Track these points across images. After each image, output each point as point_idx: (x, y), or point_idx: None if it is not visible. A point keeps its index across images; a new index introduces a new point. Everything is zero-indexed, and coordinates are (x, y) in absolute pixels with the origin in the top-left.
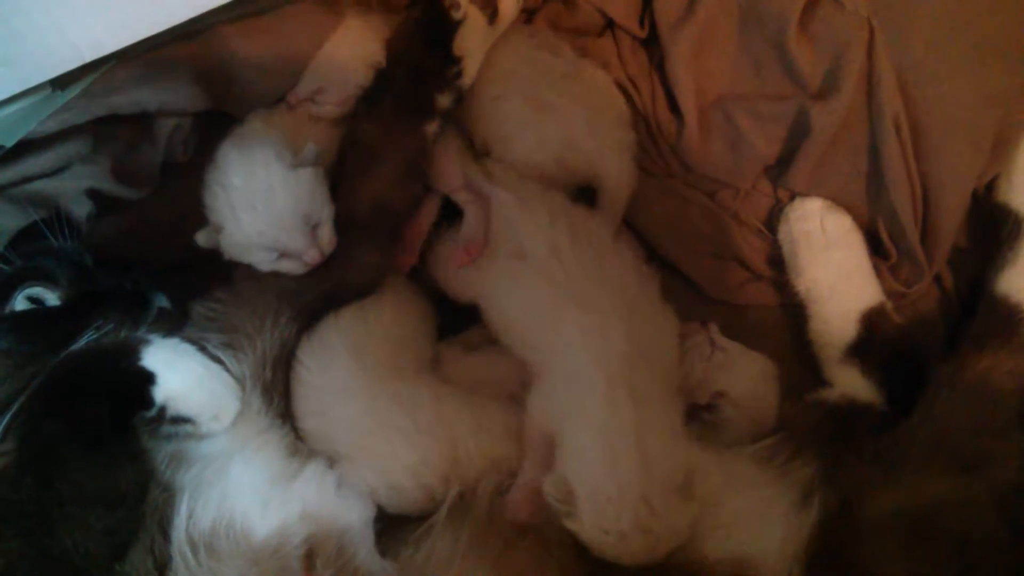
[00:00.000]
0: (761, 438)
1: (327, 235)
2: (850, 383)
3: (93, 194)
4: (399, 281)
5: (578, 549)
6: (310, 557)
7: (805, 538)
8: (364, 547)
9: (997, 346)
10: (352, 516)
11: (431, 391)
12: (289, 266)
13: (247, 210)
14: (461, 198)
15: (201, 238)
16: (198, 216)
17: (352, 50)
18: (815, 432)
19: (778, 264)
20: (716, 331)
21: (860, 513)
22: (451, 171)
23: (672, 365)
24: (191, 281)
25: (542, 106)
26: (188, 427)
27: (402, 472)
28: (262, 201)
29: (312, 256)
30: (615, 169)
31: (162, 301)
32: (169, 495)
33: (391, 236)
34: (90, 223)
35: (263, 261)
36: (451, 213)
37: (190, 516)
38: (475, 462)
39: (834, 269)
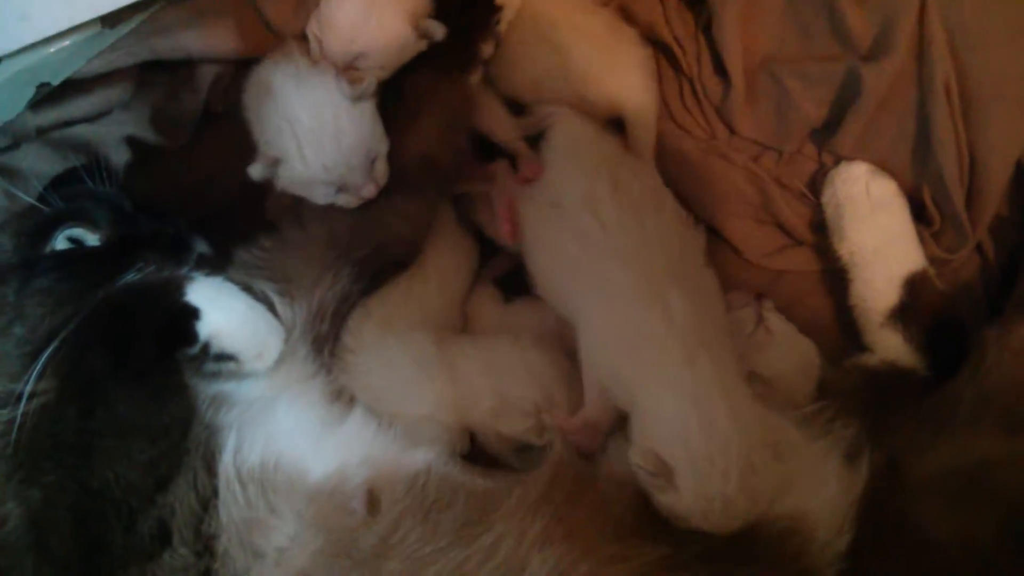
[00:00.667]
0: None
1: (382, 169)
2: (891, 348)
3: (131, 142)
4: (446, 236)
5: (635, 507)
6: (373, 498)
7: (856, 495)
8: (441, 477)
9: None
10: (417, 456)
11: (474, 343)
12: (344, 200)
13: (314, 146)
14: (516, 147)
15: (255, 171)
16: (236, 166)
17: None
18: (855, 396)
19: (820, 229)
20: (770, 308)
21: (908, 472)
22: (503, 117)
23: (726, 324)
24: (230, 227)
25: (561, 44)
26: (231, 365)
27: (432, 425)
28: (330, 138)
29: (369, 191)
30: (636, 88)
31: (202, 247)
32: (212, 432)
33: (436, 189)
34: (128, 171)
35: (321, 195)
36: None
37: (237, 451)
38: (525, 408)
39: (878, 233)
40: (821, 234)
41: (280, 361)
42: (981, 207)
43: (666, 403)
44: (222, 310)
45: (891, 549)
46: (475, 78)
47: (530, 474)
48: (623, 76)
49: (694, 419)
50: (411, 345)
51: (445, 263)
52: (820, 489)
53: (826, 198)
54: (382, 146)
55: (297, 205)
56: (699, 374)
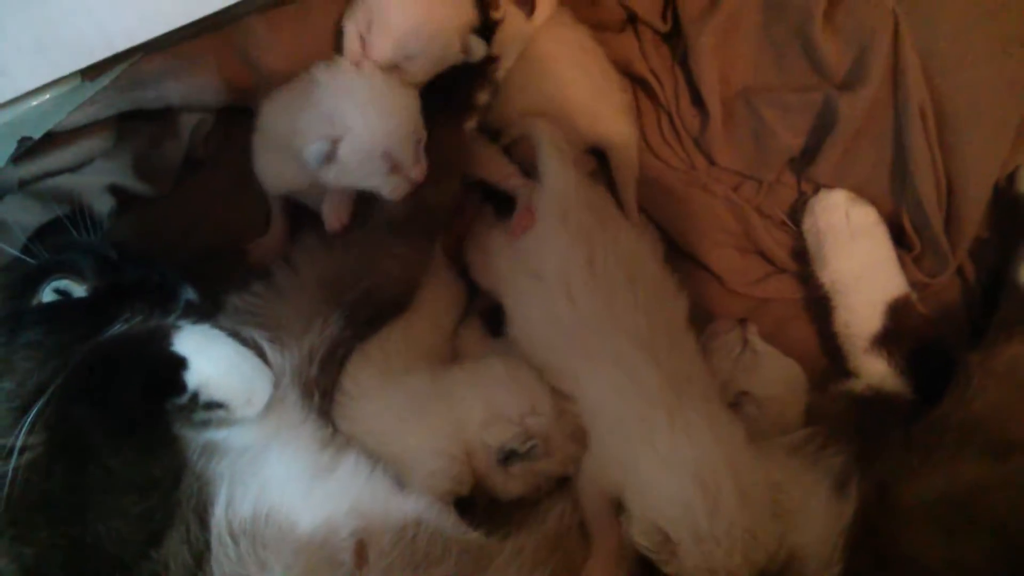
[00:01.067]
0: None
1: (423, 157)
2: (876, 374)
3: (115, 190)
4: (437, 276)
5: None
6: (362, 549)
7: (845, 525)
8: (432, 530)
9: None
10: (407, 507)
11: (464, 366)
12: (394, 185)
13: (378, 111)
14: (512, 184)
15: (314, 151)
16: (221, 213)
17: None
18: (842, 422)
19: (801, 257)
20: (754, 332)
21: (897, 499)
22: (499, 160)
23: (711, 383)
24: (218, 273)
25: (561, 81)
26: (221, 413)
27: (439, 456)
28: (388, 106)
29: (417, 173)
30: (622, 128)
31: (189, 294)
32: (204, 484)
33: (429, 232)
34: (111, 220)
35: (377, 174)
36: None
37: (229, 504)
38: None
39: (859, 260)
40: (803, 262)
41: (270, 407)
42: (960, 230)
43: (670, 480)
44: (210, 359)
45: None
46: (470, 125)
47: (526, 527)
48: (613, 118)
49: (699, 498)
50: (408, 384)
51: (437, 302)
52: (811, 522)
53: (807, 226)
54: (423, 133)
55: (285, 250)
56: (702, 449)
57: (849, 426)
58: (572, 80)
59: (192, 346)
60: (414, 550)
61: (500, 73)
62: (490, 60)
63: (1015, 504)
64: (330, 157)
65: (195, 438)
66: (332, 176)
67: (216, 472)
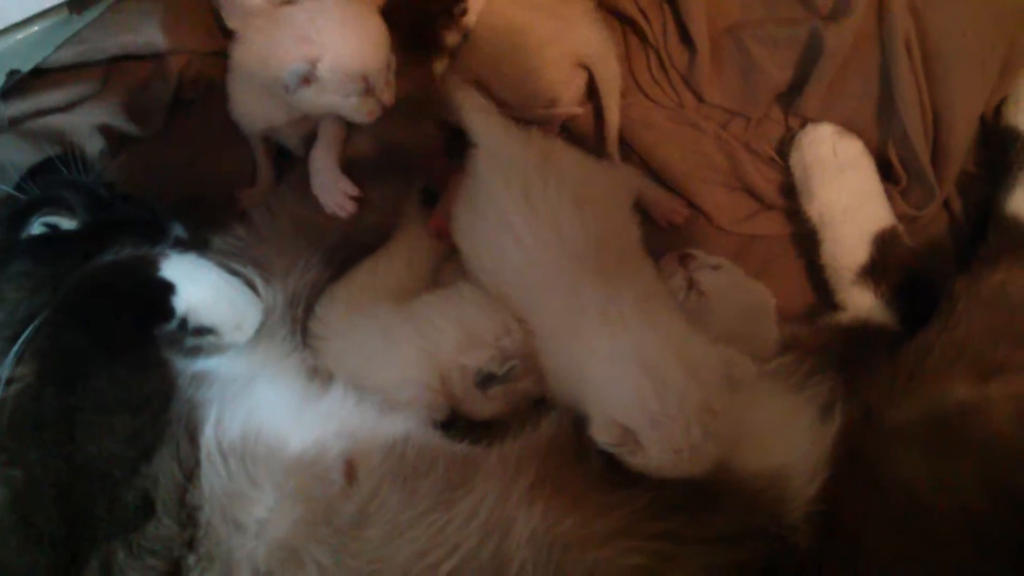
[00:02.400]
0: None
1: (392, 81)
2: (863, 305)
3: (105, 131)
4: (416, 217)
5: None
6: (351, 468)
7: (829, 446)
8: (420, 445)
9: (1011, 262)
10: (395, 426)
11: (435, 292)
12: (368, 108)
13: (356, 32)
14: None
15: (294, 71)
16: (211, 156)
17: None
18: (829, 352)
19: (789, 193)
20: (700, 264)
21: (882, 421)
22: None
23: (664, 296)
24: (206, 216)
25: (519, 24)
26: (211, 339)
27: (412, 386)
28: (365, 27)
29: (388, 98)
30: (592, 40)
31: (179, 230)
32: (194, 407)
33: (403, 175)
34: (102, 160)
35: (352, 95)
36: None
37: (218, 424)
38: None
39: (846, 192)
40: (791, 198)
41: (258, 341)
42: (947, 162)
43: (615, 373)
44: (198, 283)
45: (868, 496)
46: (439, 66)
47: (512, 435)
48: (577, 29)
49: (646, 382)
50: (376, 318)
51: (413, 242)
52: (795, 441)
53: (794, 160)
54: (393, 57)
55: (268, 197)
56: (639, 336)
57: (836, 357)
58: (527, 21)
59: (180, 272)
60: (402, 465)
61: (469, 17)
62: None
63: (1000, 426)
64: (309, 78)
65: (186, 367)
66: (308, 99)
67: (206, 397)
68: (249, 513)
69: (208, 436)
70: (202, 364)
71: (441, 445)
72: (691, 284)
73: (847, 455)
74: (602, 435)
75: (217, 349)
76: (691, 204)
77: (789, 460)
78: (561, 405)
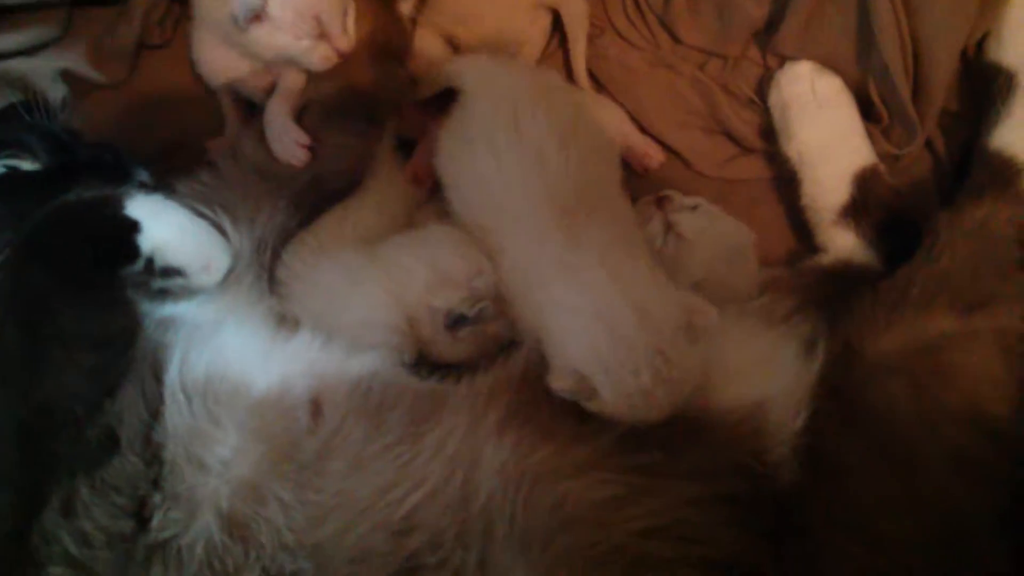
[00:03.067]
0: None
1: (351, 26)
2: (844, 246)
3: (68, 77)
4: (387, 163)
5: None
6: (317, 408)
7: (811, 382)
8: (387, 381)
9: (994, 196)
10: (361, 364)
11: (404, 233)
12: (321, 54)
13: None
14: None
15: (243, 6)
16: (178, 105)
17: None
18: (811, 293)
19: (769, 136)
20: (677, 207)
21: (863, 354)
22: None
23: (639, 242)
24: (172, 164)
25: None
26: (179, 280)
27: (379, 329)
28: None
29: (343, 43)
30: None
31: (143, 175)
32: (159, 347)
33: (369, 119)
34: (66, 107)
35: (303, 37)
36: None
37: (183, 364)
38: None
39: (826, 130)
40: (770, 140)
41: (226, 287)
42: (928, 99)
43: (569, 321)
44: (164, 223)
45: (850, 431)
46: (406, 7)
47: (481, 369)
48: None
49: (598, 328)
50: (342, 261)
51: (385, 188)
52: (775, 376)
53: (772, 100)
54: (351, 3)
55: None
56: (594, 283)
57: (817, 298)
58: None
59: (145, 211)
60: (368, 400)
61: None
62: None
63: (984, 360)
64: (260, 15)
65: (153, 312)
66: (260, 40)
67: (172, 340)
68: (212, 453)
69: (172, 375)
70: (170, 309)
71: (409, 381)
72: (668, 227)
73: (830, 390)
74: (558, 382)
75: (186, 292)
76: (668, 149)
77: (769, 394)
78: (530, 342)
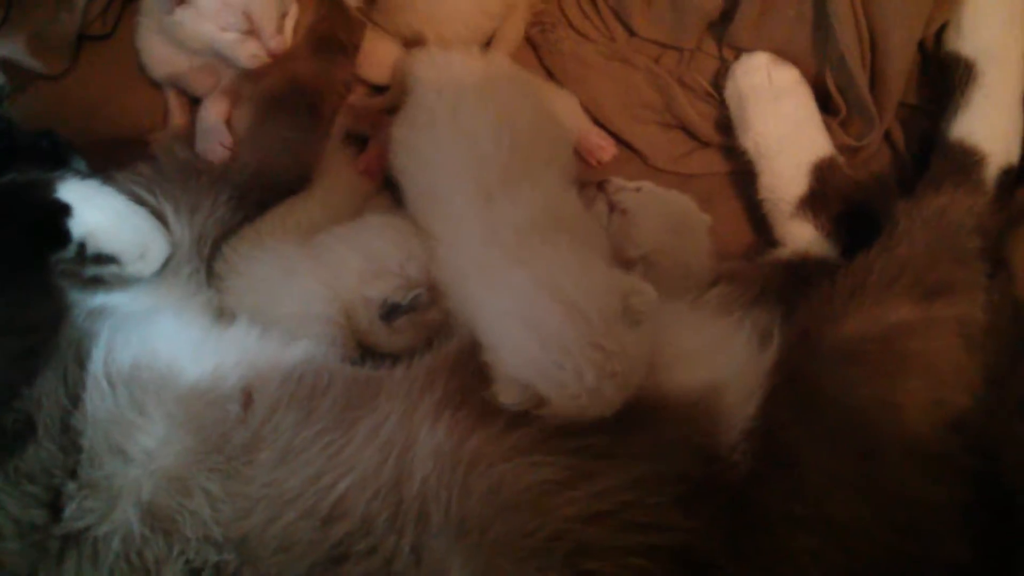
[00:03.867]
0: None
1: (290, 28)
2: (802, 238)
3: (6, 66)
4: (338, 163)
5: None
6: (248, 397)
7: (767, 367)
8: (319, 368)
9: (954, 185)
10: (296, 353)
11: (340, 225)
12: (250, 51)
13: None
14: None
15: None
16: (121, 97)
17: None
18: (769, 285)
19: (725, 129)
20: (617, 187)
21: (820, 341)
22: (381, 59)
23: (579, 227)
24: (113, 157)
25: None
26: (113, 268)
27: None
28: None
29: (274, 44)
30: None
31: (80, 165)
32: (86, 335)
33: (313, 113)
34: (2, 98)
35: (229, 29)
36: None
37: (109, 351)
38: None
39: (783, 120)
40: (727, 134)
41: (162, 278)
42: (886, 90)
43: (501, 327)
44: (97, 208)
45: (806, 417)
46: (353, 1)
47: (417, 354)
48: None
49: (530, 337)
50: (278, 254)
51: (332, 183)
52: (729, 359)
53: (728, 91)
54: (291, 7)
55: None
56: (515, 283)
57: (774, 290)
58: None
59: (77, 195)
60: (300, 388)
61: None
62: None
63: (944, 348)
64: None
65: (84, 301)
66: (185, 25)
67: (101, 328)
68: (135, 442)
69: (96, 362)
70: (102, 299)
71: (343, 368)
72: (612, 206)
73: (785, 376)
74: (504, 398)
75: (121, 282)
76: (624, 143)
77: (722, 376)
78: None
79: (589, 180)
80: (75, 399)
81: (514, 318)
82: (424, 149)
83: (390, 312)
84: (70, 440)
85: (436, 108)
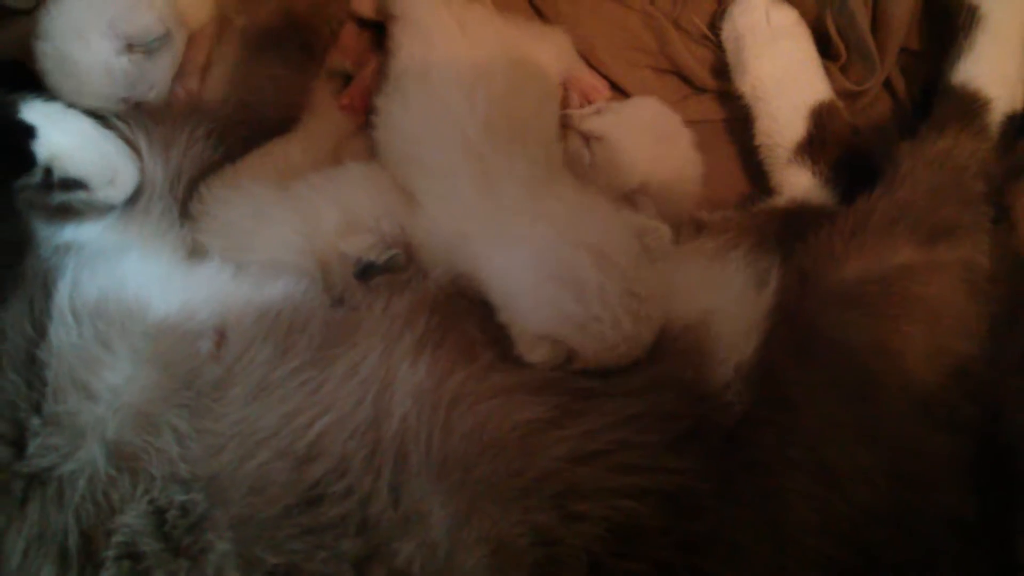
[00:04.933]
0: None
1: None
2: (800, 186)
3: None
4: (321, 103)
5: None
6: (222, 336)
7: (764, 309)
8: (297, 305)
9: (957, 130)
10: (272, 292)
11: (319, 172)
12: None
13: None
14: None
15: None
16: None
17: None
18: (765, 233)
19: (721, 74)
20: (580, 117)
21: (819, 283)
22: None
23: (550, 146)
24: None
25: None
26: (82, 194)
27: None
28: None
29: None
30: None
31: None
32: (53, 268)
33: (304, 49)
34: None
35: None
36: None
37: (75, 284)
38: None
39: (781, 62)
40: (723, 79)
41: (134, 214)
42: (888, 33)
43: (519, 283)
44: (64, 130)
45: (804, 361)
46: None
47: (397, 293)
48: None
49: (562, 291)
50: (252, 196)
51: (315, 125)
52: (724, 297)
53: (725, 32)
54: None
55: None
56: (535, 236)
57: (771, 238)
58: None
59: (42, 116)
60: (277, 325)
61: None
62: None
63: (946, 292)
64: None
65: (52, 237)
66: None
67: (67, 262)
68: (100, 378)
69: (62, 294)
70: (71, 234)
71: (321, 306)
72: (587, 137)
73: (783, 318)
74: (533, 355)
75: (91, 210)
76: (616, 88)
77: (714, 312)
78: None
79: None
80: (42, 330)
81: (538, 273)
82: (404, 124)
83: (365, 271)
84: (36, 374)
85: (408, 79)
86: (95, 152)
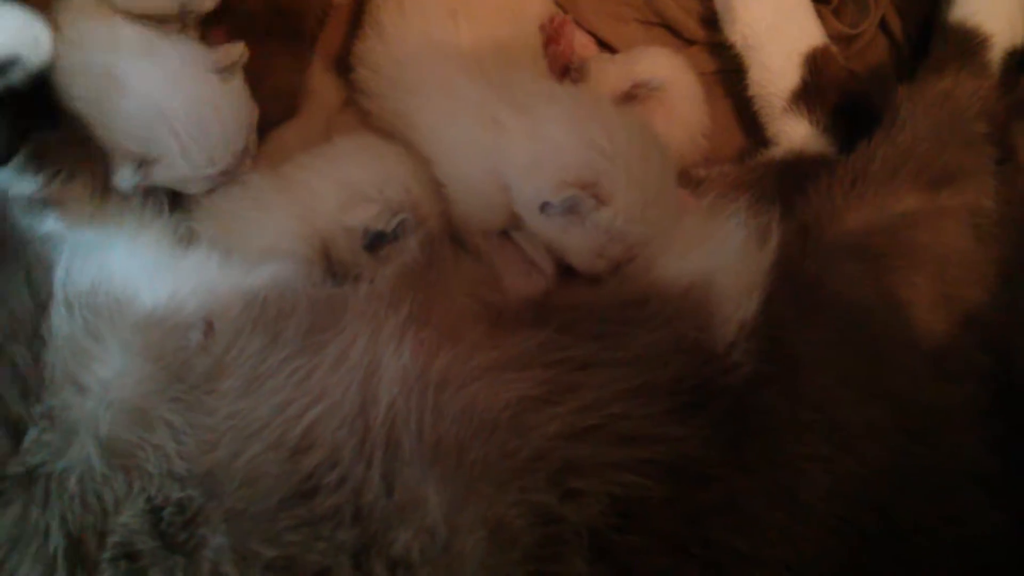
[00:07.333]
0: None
1: (254, 139)
2: (797, 135)
3: None
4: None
5: None
6: (210, 325)
7: (765, 265)
8: (283, 289)
9: (957, 69)
10: (259, 278)
11: (312, 152)
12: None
13: (199, 142)
14: None
15: (125, 180)
16: None
17: None
18: (763, 187)
19: (711, 25)
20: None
21: (821, 235)
22: None
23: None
24: None
25: None
26: (17, 71)
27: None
28: (214, 131)
29: (246, 167)
30: None
31: None
32: (44, 254)
33: (296, 36)
34: None
35: (200, 188)
36: None
37: (68, 274)
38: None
39: (771, 7)
40: (713, 29)
41: (121, 202)
42: None
43: (551, 135)
44: None
45: (807, 316)
46: None
47: (381, 268)
48: None
49: (589, 124)
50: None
51: (312, 112)
52: (723, 254)
53: None
54: (254, 115)
55: None
56: (560, 97)
57: (770, 192)
58: None
59: None
60: (264, 312)
61: None
62: None
63: (953, 239)
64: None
65: (36, 227)
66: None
67: (55, 252)
68: (90, 372)
69: (59, 282)
70: (52, 225)
71: (306, 287)
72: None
73: (785, 273)
74: (556, 196)
75: (24, 74)
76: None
77: (715, 268)
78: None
79: None
80: (43, 306)
81: (569, 121)
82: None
83: (374, 241)
84: (38, 350)
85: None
86: (8, 24)
